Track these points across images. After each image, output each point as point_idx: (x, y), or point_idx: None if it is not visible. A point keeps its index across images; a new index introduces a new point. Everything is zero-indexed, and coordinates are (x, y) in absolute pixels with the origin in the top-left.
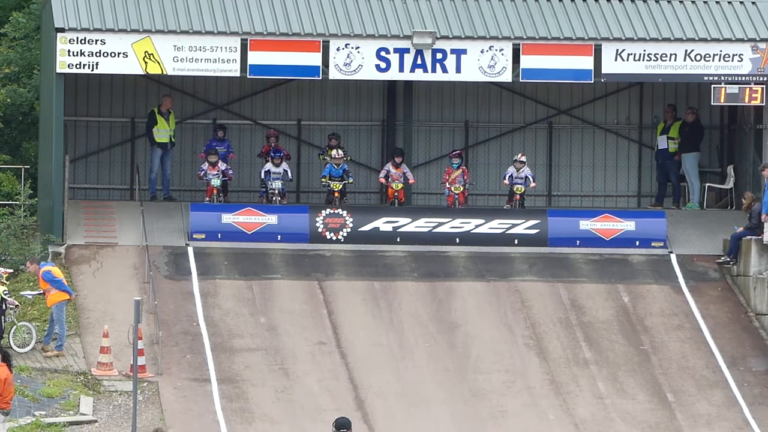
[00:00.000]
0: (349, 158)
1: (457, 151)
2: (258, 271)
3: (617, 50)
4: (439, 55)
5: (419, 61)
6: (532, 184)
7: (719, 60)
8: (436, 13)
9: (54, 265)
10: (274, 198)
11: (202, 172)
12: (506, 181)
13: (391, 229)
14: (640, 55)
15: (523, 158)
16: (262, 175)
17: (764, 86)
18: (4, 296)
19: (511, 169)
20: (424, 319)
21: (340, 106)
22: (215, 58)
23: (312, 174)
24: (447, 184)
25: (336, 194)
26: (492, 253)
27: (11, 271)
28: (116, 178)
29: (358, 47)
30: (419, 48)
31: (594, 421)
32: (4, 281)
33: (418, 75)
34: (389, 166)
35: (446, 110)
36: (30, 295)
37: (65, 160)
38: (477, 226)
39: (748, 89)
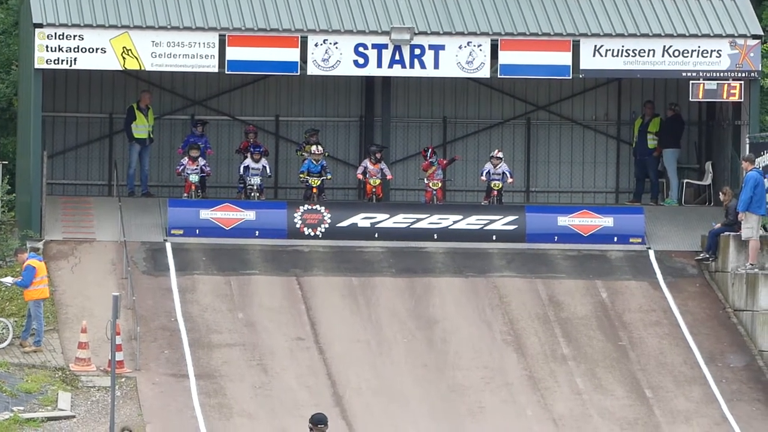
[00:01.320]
0: (327, 154)
1: (430, 149)
2: (236, 266)
3: (595, 46)
4: (417, 51)
5: (397, 57)
6: (510, 180)
7: (697, 56)
8: (414, 8)
9: (41, 260)
10: (252, 194)
11: (181, 167)
12: (483, 178)
13: (369, 225)
14: (618, 50)
15: (500, 154)
16: (241, 171)
17: (742, 82)
18: None
19: (488, 166)
20: (402, 315)
21: (318, 101)
22: (193, 54)
23: (290, 170)
24: (425, 179)
25: (314, 190)
26: (470, 249)
27: None
28: (94, 173)
29: (336, 43)
30: (397, 44)
31: (572, 417)
32: None
33: (396, 71)
34: (367, 162)
35: (424, 106)
36: (9, 282)
37: (43, 156)
38: (455, 222)
39: (726, 85)
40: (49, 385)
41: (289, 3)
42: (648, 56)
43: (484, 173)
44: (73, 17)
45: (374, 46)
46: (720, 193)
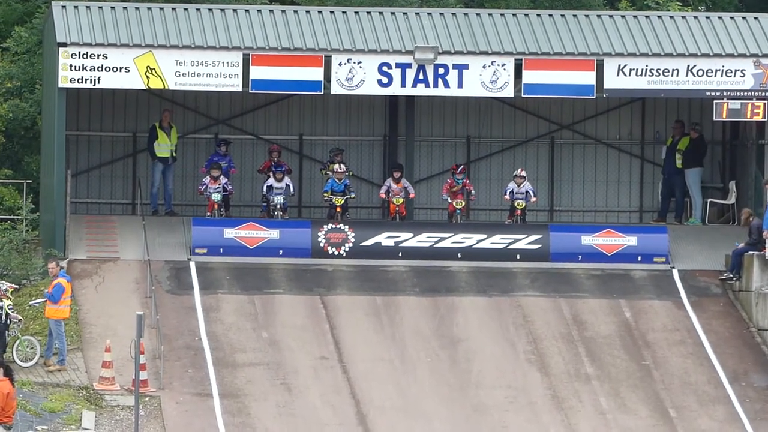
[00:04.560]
0: (350, 173)
1: (462, 167)
2: (260, 285)
3: (619, 65)
4: (441, 70)
5: (421, 76)
6: (533, 199)
7: (721, 75)
8: (438, 27)
9: (70, 280)
10: (275, 213)
11: (203, 187)
12: (507, 197)
13: (392, 244)
14: (642, 70)
15: (523, 173)
16: (264, 190)
17: (766, 102)
18: (8, 311)
19: (512, 185)
20: (426, 334)
21: (342, 120)
22: (217, 73)
23: (314, 189)
24: (449, 198)
25: (338, 209)
26: (494, 268)
27: (17, 286)
28: (118, 192)
29: (360, 62)
30: (421, 63)
31: None
32: (9, 296)
33: (420, 90)
34: (390, 181)
35: (448, 125)
36: (39, 302)
37: (67, 175)
38: (479, 241)
39: (750, 105)
40: (73, 404)
41: (313, 22)
42: (672, 76)
43: (508, 192)
44: (97, 36)
45: (398, 65)
46: (741, 214)
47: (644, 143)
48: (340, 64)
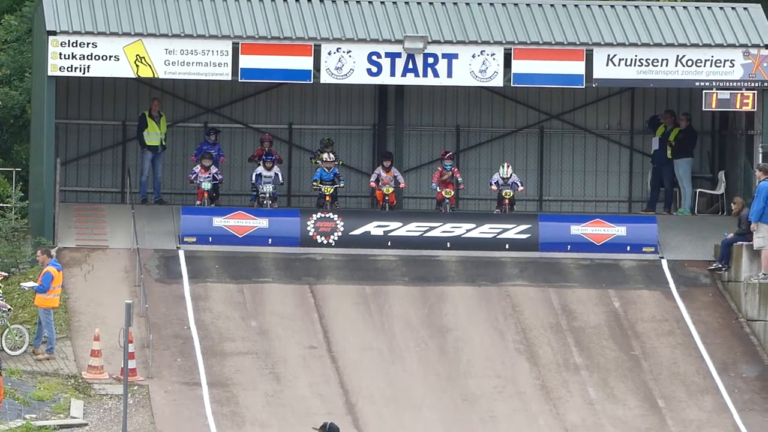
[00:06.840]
0: (340, 162)
1: (450, 153)
2: (249, 274)
3: (609, 55)
4: (430, 60)
5: (410, 66)
6: (520, 188)
7: (711, 65)
8: (427, 17)
9: (60, 269)
10: (265, 202)
11: (193, 175)
12: (494, 187)
13: (382, 233)
14: (631, 60)
15: (509, 170)
16: (253, 179)
17: (755, 92)
18: None
19: (497, 176)
20: (414, 323)
21: (332, 110)
22: (207, 62)
23: (303, 178)
24: (438, 188)
25: (327, 198)
26: (483, 258)
27: (6, 274)
28: (107, 181)
29: (350, 51)
30: (411, 52)
31: (584, 427)
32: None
33: (410, 79)
34: (380, 170)
35: (437, 115)
36: (29, 286)
37: (56, 163)
38: (468, 231)
39: (739, 95)
40: (61, 392)
41: (303, 11)
42: (661, 66)
43: (494, 183)
44: (87, 25)
45: (387, 54)
46: (731, 204)
47: (633, 133)
48: (329, 53)
